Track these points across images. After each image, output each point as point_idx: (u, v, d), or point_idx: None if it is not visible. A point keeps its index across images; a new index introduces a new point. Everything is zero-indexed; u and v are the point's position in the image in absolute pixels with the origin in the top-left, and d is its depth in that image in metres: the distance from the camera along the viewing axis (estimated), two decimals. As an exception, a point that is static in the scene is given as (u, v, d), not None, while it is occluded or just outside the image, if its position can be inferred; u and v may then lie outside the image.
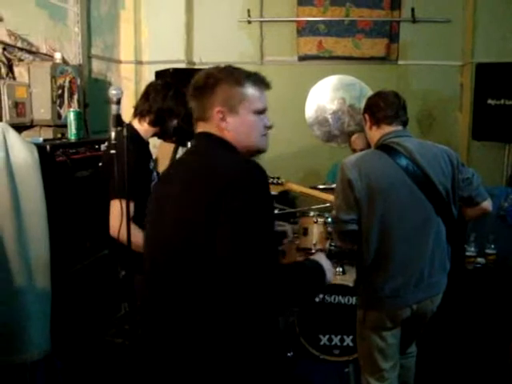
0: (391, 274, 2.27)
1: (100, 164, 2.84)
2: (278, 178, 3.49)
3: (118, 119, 2.15)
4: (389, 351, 2.39)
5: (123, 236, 2.18)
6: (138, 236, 2.23)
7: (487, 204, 2.41)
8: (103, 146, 3.32)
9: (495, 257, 3.42)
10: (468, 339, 3.35)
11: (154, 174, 2.83)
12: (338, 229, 2.37)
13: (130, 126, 2.69)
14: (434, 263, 2.30)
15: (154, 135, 2.83)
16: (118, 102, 2.16)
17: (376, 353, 2.39)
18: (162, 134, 2.84)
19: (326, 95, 5.10)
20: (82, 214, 3.12)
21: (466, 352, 3.33)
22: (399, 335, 2.42)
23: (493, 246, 3.43)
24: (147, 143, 2.83)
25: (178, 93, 2.76)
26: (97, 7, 4.44)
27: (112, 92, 2.15)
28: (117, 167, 2.19)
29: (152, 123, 2.72)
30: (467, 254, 3.40)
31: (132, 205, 2.41)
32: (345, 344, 3.52)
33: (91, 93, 4.19)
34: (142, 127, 2.74)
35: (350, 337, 3.47)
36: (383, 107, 2.37)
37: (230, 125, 1.63)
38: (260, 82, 1.74)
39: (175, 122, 2.78)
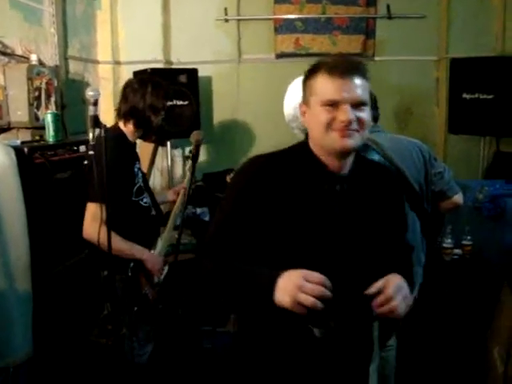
0: None
1: (84, 162, 2.82)
2: None
3: (96, 120, 2.18)
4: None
5: (94, 238, 2.29)
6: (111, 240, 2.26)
7: (458, 198, 2.45)
8: (83, 147, 3.32)
9: (472, 248, 3.48)
10: (447, 330, 3.41)
11: (140, 175, 2.86)
12: None
13: (116, 128, 2.75)
14: (410, 257, 2.33)
15: (140, 136, 2.85)
16: (96, 103, 2.19)
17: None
18: (146, 133, 2.84)
19: (305, 92, 5.13)
20: (62, 216, 3.12)
21: (446, 343, 3.38)
22: (377, 328, 2.45)
23: (469, 238, 3.49)
24: (134, 144, 2.85)
25: (155, 87, 2.76)
26: (72, 8, 4.42)
27: (89, 93, 2.17)
28: (96, 169, 2.21)
29: (137, 125, 2.73)
30: (444, 245, 3.45)
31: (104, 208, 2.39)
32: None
33: (68, 94, 4.17)
34: (128, 129, 2.76)
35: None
36: None
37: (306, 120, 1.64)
38: (331, 69, 1.52)
39: (160, 118, 2.79)
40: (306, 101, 1.61)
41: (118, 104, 2.86)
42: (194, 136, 2.51)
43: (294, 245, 1.52)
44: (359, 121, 1.51)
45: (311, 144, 1.63)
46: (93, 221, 2.45)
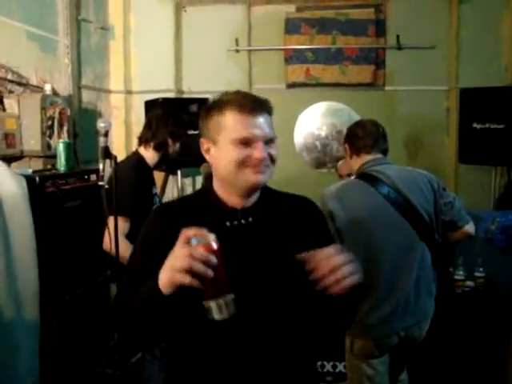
0: (377, 302, 2.27)
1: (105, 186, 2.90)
2: None
3: (106, 151, 2.20)
4: (378, 379, 2.39)
5: (113, 250, 2.36)
6: (127, 251, 2.30)
7: (469, 228, 2.43)
8: (93, 176, 3.37)
9: (484, 280, 3.42)
10: (460, 365, 3.34)
11: (157, 198, 3.05)
12: None
13: (136, 152, 2.97)
14: (420, 289, 2.31)
15: (159, 162, 3.00)
16: (106, 135, 2.22)
17: (365, 381, 2.39)
18: (166, 159, 3.02)
19: (315, 121, 5.16)
20: (72, 245, 3.13)
21: (459, 378, 3.31)
22: (388, 362, 2.41)
23: (481, 269, 3.44)
24: (152, 169, 3.01)
25: (178, 118, 2.99)
26: (87, 38, 4.51)
27: (100, 125, 2.20)
28: (115, 189, 2.34)
29: (156, 147, 2.91)
30: (456, 277, 3.40)
31: (127, 222, 2.65)
32: (337, 370, 3.50)
33: (81, 123, 4.22)
34: (148, 153, 2.93)
35: (343, 363, 3.45)
36: (362, 136, 2.40)
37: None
38: (240, 106, 1.50)
39: (178, 146, 2.98)
40: (210, 138, 1.55)
41: (140, 132, 3.04)
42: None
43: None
44: (270, 157, 1.53)
45: (214, 182, 1.59)
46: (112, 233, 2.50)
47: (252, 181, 1.50)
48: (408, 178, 2.34)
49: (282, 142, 5.00)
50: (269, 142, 1.53)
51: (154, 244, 1.48)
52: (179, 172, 4.91)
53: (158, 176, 4.89)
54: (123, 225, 2.58)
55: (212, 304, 1.24)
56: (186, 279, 1.21)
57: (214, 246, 1.25)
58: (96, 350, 3.28)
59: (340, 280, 1.28)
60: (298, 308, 1.49)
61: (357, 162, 2.42)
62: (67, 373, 2.94)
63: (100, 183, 2.22)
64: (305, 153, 5.22)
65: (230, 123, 1.50)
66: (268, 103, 1.59)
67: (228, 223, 1.52)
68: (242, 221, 1.54)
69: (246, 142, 1.49)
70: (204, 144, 1.57)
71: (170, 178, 5.17)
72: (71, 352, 3.02)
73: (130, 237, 2.64)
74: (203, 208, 1.56)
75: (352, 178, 2.42)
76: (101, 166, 2.18)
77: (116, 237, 2.32)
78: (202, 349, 1.48)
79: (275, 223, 1.58)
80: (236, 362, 1.45)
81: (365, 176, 2.34)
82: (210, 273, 1.21)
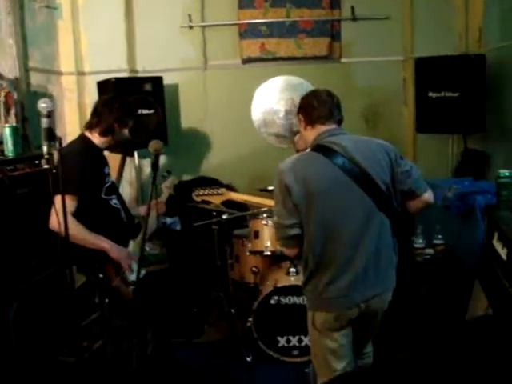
0: (336, 275, 2.25)
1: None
2: (218, 188, 3.46)
3: (50, 133, 2.10)
4: (341, 352, 2.38)
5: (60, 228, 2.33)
6: (75, 229, 2.52)
7: (428, 196, 2.40)
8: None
9: (443, 247, 3.47)
10: (423, 331, 3.38)
11: (110, 179, 2.99)
12: (281, 234, 2.34)
13: (82, 135, 2.93)
14: (380, 259, 2.29)
15: (108, 146, 2.97)
16: (49, 115, 2.13)
17: (328, 354, 2.37)
18: (115, 145, 3.00)
19: (273, 97, 5.10)
20: (25, 232, 3.03)
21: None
22: (351, 335, 2.40)
23: (440, 237, 3.48)
24: (101, 150, 2.96)
25: (124, 103, 2.95)
26: (32, 17, 4.32)
27: (41, 105, 2.11)
28: (60, 167, 2.28)
29: (101, 133, 2.86)
30: (416, 245, 3.44)
31: (74, 201, 2.63)
32: (303, 344, 3.51)
33: (31, 106, 4.06)
34: (95, 138, 2.88)
35: (308, 336, 3.47)
36: (316, 106, 2.35)
37: None
38: None
39: (126, 131, 2.94)
40: None
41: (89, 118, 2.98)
42: (152, 145, 2.46)
43: None
44: None
45: None
46: (59, 212, 2.45)
47: None
48: (364, 147, 2.30)
49: (240, 119, 5.01)
50: None
51: None
52: (136, 154, 4.81)
53: (115, 158, 4.79)
54: (70, 203, 2.56)
55: None
56: None
57: None
58: (57, 338, 3.21)
59: None
60: None
61: (312, 134, 2.37)
62: (27, 363, 2.87)
63: (45, 166, 2.12)
64: (264, 128, 5.16)
65: None
66: None
67: None
68: None
69: None
70: None
71: (128, 160, 5.06)
72: (31, 342, 2.94)
73: (77, 215, 2.63)
74: None
75: (307, 150, 2.38)
76: (45, 149, 2.08)
77: (65, 215, 2.26)
78: None
79: None
80: None
81: (320, 147, 2.29)
82: None
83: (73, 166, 2.61)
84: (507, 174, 2.61)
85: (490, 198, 3.11)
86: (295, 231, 2.27)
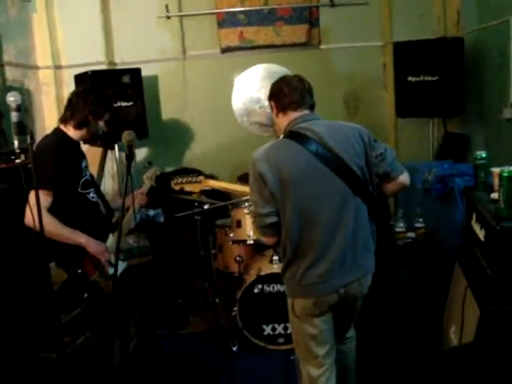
0: (314, 261, 2.25)
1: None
2: (197, 176, 3.44)
3: (20, 127, 2.08)
4: (322, 337, 2.38)
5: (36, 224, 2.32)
6: (50, 225, 2.49)
7: (404, 178, 2.39)
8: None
9: (424, 230, 3.48)
10: (405, 315, 3.40)
11: (88, 173, 2.92)
12: (259, 223, 2.33)
13: (56, 129, 2.82)
14: (357, 244, 2.29)
15: (84, 139, 2.91)
16: (18, 109, 2.10)
17: (309, 340, 2.38)
18: (91, 138, 2.93)
19: (254, 85, 5.07)
20: (2, 229, 2.99)
21: (405, 327, 3.38)
22: (331, 321, 2.40)
23: (421, 220, 3.49)
24: (77, 143, 2.90)
25: (99, 95, 2.87)
26: (4, 11, 4.25)
27: (10, 99, 2.08)
28: (34, 161, 2.29)
29: (76, 126, 2.80)
30: (397, 229, 3.44)
31: (49, 196, 2.57)
32: (289, 332, 3.51)
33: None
34: (69, 131, 2.82)
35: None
36: (288, 93, 2.32)
37: None
38: None
39: (101, 124, 2.88)
40: None
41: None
42: (125, 136, 2.43)
43: None
44: None
45: None
46: (33, 208, 2.42)
47: None
48: (337, 132, 2.29)
49: (220, 108, 4.98)
50: None
51: None
52: (116, 146, 4.77)
53: (96, 152, 4.76)
54: (45, 198, 2.52)
55: None
56: None
57: None
58: (40, 335, 3.18)
59: None
60: None
61: (284, 120, 2.35)
62: (9, 361, 2.85)
63: (17, 161, 2.09)
64: (245, 118, 5.13)
65: None
66: None
67: None
68: None
69: None
70: None
71: (110, 153, 5.03)
72: (13, 340, 2.92)
73: (53, 210, 2.59)
74: None
75: (281, 137, 2.36)
76: (16, 143, 2.05)
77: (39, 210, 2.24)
78: None
79: None
80: None
81: (292, 134, 2.28)
82: None
83: (47, 161, 2.58)
84: (484, 155, 2.61)
85: (468, 179, 3.12)
86: (272, 219, 2.27)
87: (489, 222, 2.20)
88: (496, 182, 2.36)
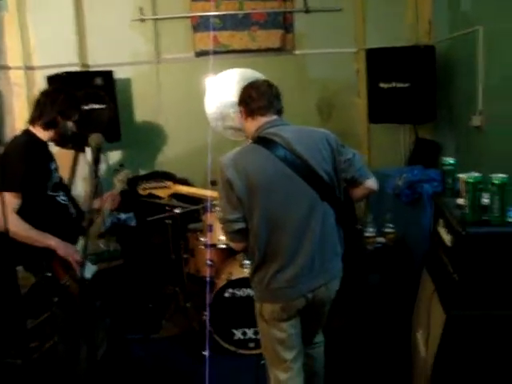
0: (282, 266, 2.25)
1: None
2: (164, 182, 3.42)
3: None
4: (289, 342, 2.39)
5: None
6: (17, 227, 2.46)
7: (371, 183, 2.42)
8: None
9: (394, 235, 3.51)
10: (374, 320, 3.43)
11: (56, 175, 2.89)
12: (227, 229, 2.33)
13: (25, 130, 2.82)
14: (325, 249, 2.30)
15: (53, 140, 2.88)
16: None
17: (277, 344, 2.39)
18: (60, 139, 2.90)
19: (228, 90, 5.07)
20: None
21: (374, 333, 3.40)
22: (299, 325, 2.41)
23: (391, 225, 3.52)
24: (46, 144, 2.87)
25: (68, 96, 2.85)
26: (-26, 11, 4.20)
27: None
28: (2, 164, 2.36)
29: (44, 126, 2.78)
30: (366, 234, 3.47)
31: (17, 198, 2.55)
32: (259, 336, 3.50)
33: (-24, 102, 3.96)
34: (38, 132, 2.80)
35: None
36: (255, 98, 2.34)
37: None
38: None
39: (70, 125, 2.85)
40: None
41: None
42: (93, 139, 2.40)
43: None
44: None
45: None
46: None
47: None
48: (305, 138, 2.30)
49: (194, 112, 4.97)
50: None
51: None
52: (88, 149, 4.70)
53: (67, 154, 4.69)
54: (13, 201, 2.50)
55: None
56: None
57: None
58: (5, 341, 3.13)
59: None
60: None
61: (252, 125, 2.36)
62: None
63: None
64: (220, 122, 5.13)
65: None
66: None
67: None
68: None
69: None
70: None
71: (82, 156, 4.97)
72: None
73: (22, 212, 2.56)
74: None
75: (249, 142, 2.37)
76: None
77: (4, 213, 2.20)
78: None
79: None
80: None
81: (260, 140, 2.28)
82: None
83: (15, 163, 2.55)
84: (451, 161, 2.65)
85: (437, 185, 3.16)
86: (240, 225, 2.27)
87: (455, 228, 2.24)
88: (462, 187, 2.40)
